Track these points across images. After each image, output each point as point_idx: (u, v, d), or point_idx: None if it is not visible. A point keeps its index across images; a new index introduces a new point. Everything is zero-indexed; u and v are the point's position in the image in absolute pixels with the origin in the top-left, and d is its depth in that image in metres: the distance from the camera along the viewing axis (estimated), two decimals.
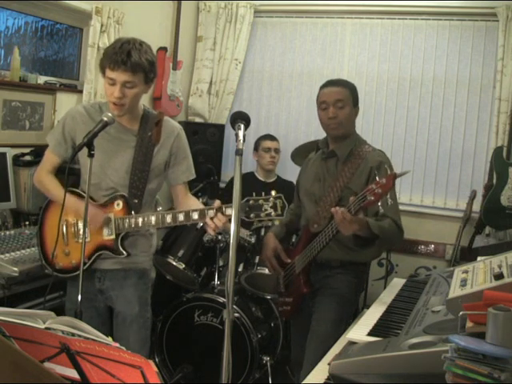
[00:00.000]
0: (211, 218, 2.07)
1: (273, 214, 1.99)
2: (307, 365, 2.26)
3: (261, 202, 1.99)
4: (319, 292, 2.46)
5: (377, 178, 2.00)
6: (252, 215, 1.99)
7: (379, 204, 1.99)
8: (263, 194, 2.03)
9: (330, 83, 2.48)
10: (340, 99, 2.40)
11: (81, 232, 2.25)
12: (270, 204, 1.98)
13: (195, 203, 2.37)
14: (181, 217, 2.11)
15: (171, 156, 2.33)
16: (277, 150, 4.02)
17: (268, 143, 4.00)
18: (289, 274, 2.56)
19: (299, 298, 2.50)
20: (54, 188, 2.30)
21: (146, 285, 2.40)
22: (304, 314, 2.51)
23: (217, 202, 2.10)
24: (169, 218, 2.13)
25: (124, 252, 2.22)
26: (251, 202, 1.99)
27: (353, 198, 2.10)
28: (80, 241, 2.24)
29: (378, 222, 2.25)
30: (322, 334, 2.33)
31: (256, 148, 4.07)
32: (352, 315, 2.54)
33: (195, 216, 2.10)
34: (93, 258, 2.23)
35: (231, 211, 2.00)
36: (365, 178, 2.36)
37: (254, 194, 2.04)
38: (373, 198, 1.98)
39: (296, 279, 2.49)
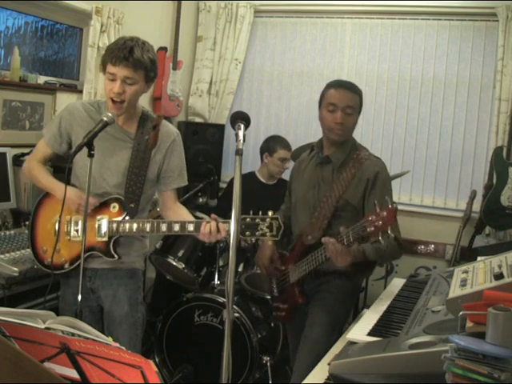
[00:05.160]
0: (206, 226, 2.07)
1: (268, 234, 1.99)
2: (298, 367, 2.25)
3: (257, 220, 1.98)
4: (314, 297, 2.44)
5: (377, 209, 1.95)
6: (247, 233, 2.00)
7: (379, 237, 1.94)
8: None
9: (342, 86, 2.37)
10: (351, 106, 2.31)
11: (72, 230, 2.24)
12: (266, 224, 1.99)
13: (185, 213, 2.35)
14: (176, 227, 2.11)
15: (165, 161, 2.30)
16: (289, 160, 3.81)
17: (287, 154, 3.78)
18: (283, 281, 2.54)
19: (293, 305, 2.50)
20: (43, 177, 2.30)
21: (137, 284, 2.38)
22: (299, 320, 2.49)
23: (213, 216, 2.10)
24: (164, 227, 2.13)
25: (115, 255, 2.21)
26: (248, 219, 1.99)
27: (343, 229, 2.06)
28: (72, 239, 2.23)
29: (375, 246, 2.20)
30: (314, 338, 2.30)
31: (270, 151, 3.82)
32: (346, 320, 2.52)
33: (190, 228, 2.10)
34: (82, 258, 2.22)
35: (227, 227, 2.03)
36: (361, 190, 2.32)
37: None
38: (373, 229, 1.95)
39: (290, 288, 2.48)
